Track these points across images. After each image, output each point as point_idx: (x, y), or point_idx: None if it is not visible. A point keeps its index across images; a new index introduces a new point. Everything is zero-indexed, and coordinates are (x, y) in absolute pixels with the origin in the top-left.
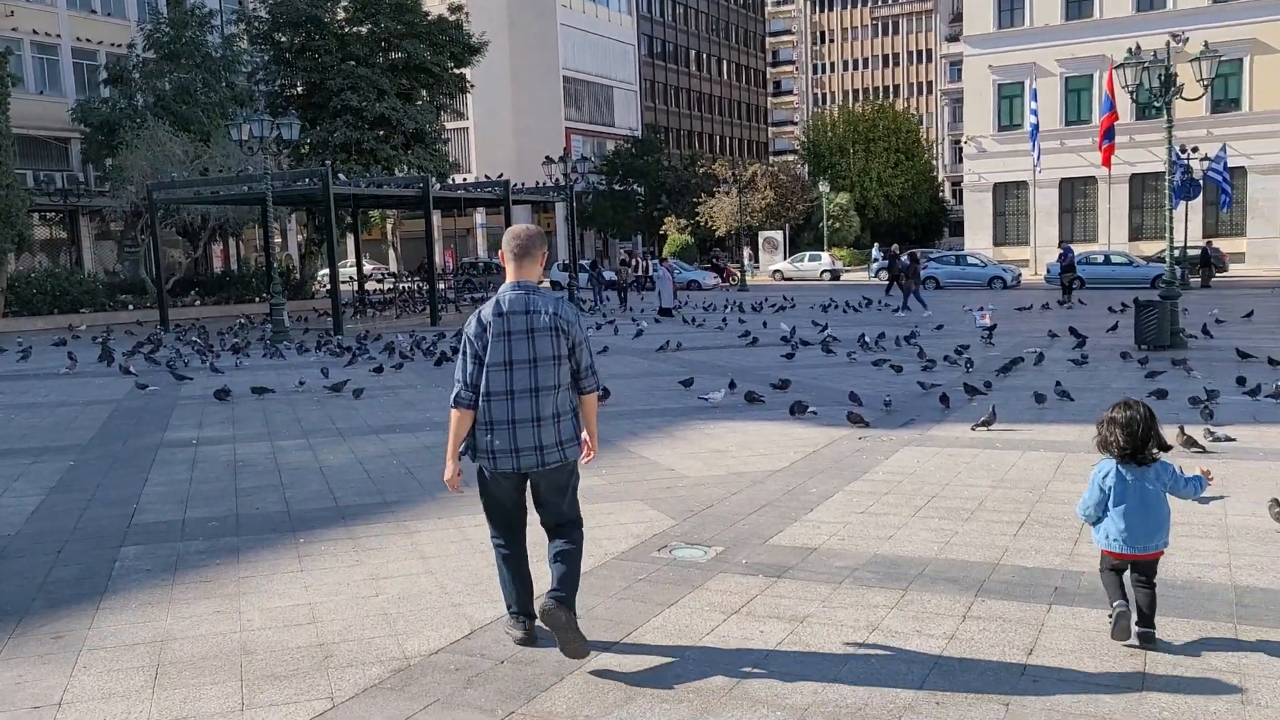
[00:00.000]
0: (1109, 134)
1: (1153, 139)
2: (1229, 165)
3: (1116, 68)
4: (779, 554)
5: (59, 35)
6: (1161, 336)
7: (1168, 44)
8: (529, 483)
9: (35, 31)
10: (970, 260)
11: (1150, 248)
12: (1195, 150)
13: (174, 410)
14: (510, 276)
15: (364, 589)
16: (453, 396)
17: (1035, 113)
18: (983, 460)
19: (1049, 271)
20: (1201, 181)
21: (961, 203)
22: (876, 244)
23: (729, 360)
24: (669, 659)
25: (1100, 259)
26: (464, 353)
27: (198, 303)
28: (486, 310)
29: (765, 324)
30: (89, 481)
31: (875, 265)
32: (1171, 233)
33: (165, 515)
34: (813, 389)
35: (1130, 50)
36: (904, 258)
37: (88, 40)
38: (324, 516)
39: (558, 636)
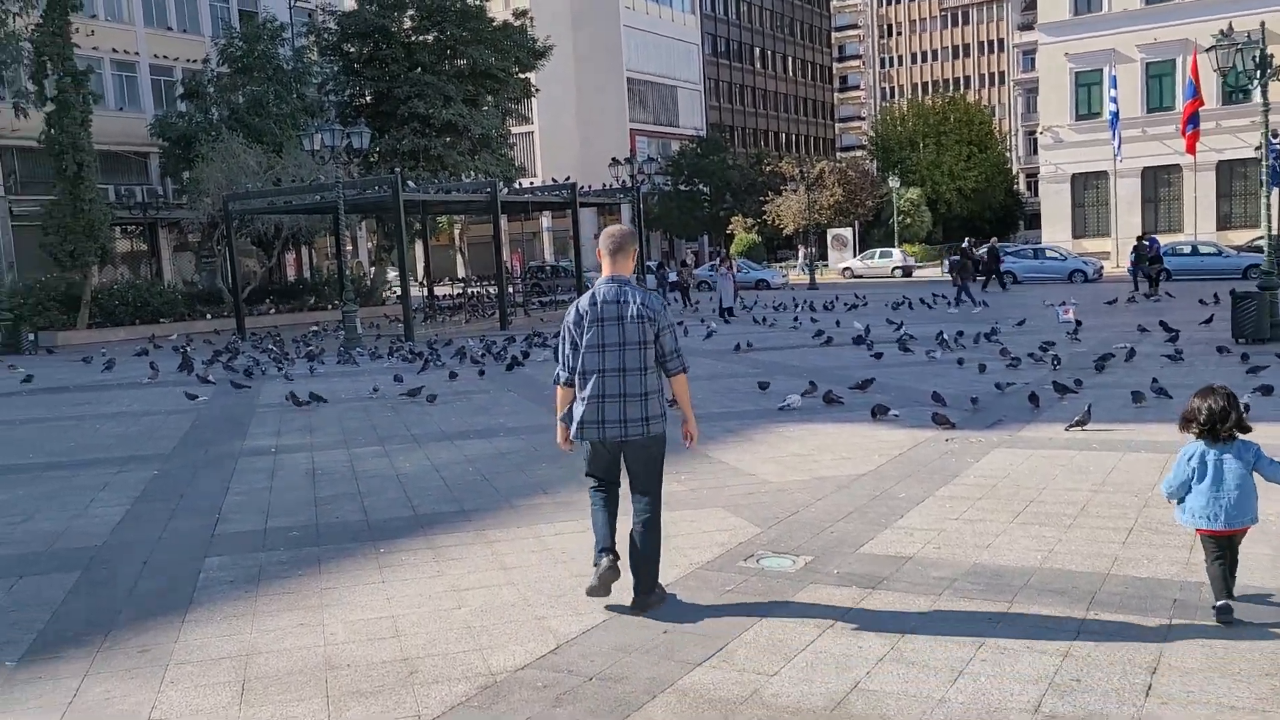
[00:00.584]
0: (1193, 120)
1: (1240, 124)
2: None
3: (1206, 50)
4: (872, 563)
5: (137, 53)
6: (1260, 329)
7: (1262, 24)
8: (620, 451)
9: (115, 50)
10: (1049, 253)
11: (1239, 237)
12: None
13: (252, 418)
14: (605, 271)
15: (446, 601)
16: (556, 377)
17: (1115, 100)
18: (1080, 462)
19: (1132, 263)
20: None
21: (1037, 195)
22: (968, 239)
23: (804, 361)
24: (764, 676)
25: (1188, 249)
26: (563, 339)
27: (272, 311)
28: (584, 300)
29: (838, 323)
30: (173, 490)
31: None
32: (1269, 220)
33: (247, 524)
34: (893, 389)
35: (1221, 32)
36: (954, 254)
37: (164, 57)
38: (403, 526)
39: (642, 607)
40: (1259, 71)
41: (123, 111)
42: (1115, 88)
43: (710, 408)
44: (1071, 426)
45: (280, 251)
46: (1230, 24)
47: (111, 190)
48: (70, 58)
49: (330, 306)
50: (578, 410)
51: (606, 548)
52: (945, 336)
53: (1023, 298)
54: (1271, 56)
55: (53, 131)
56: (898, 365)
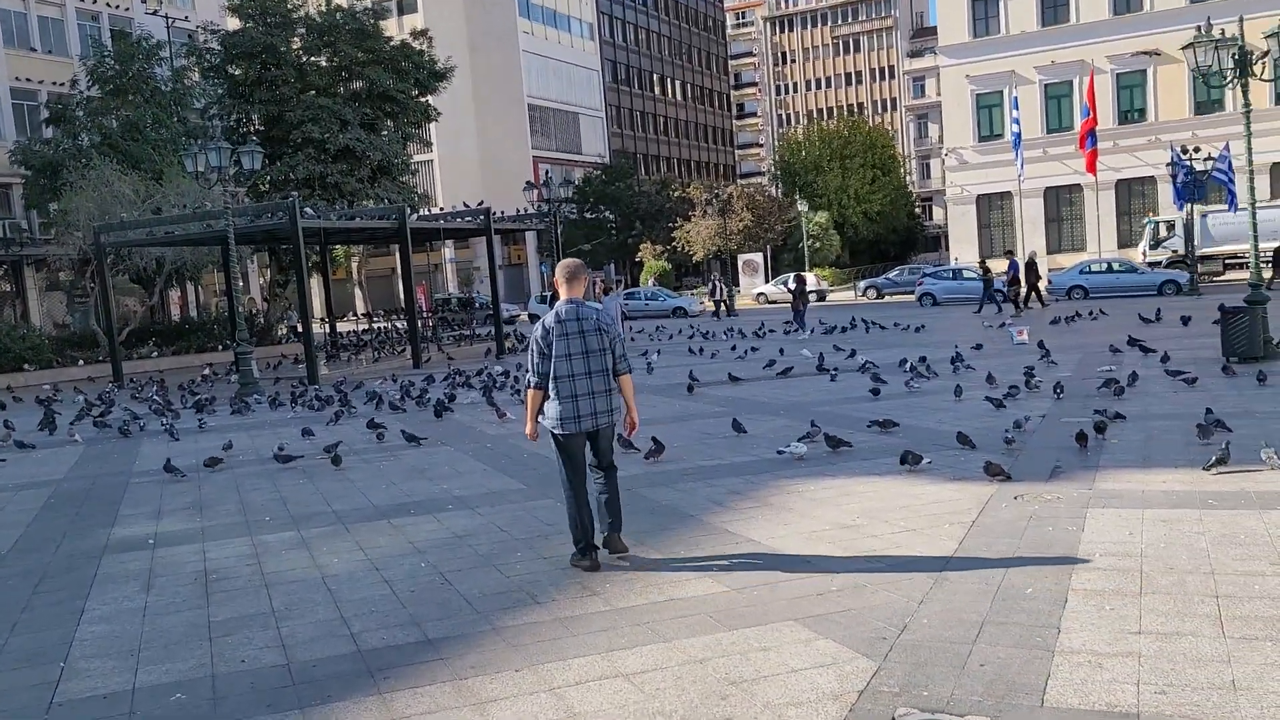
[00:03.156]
0: (1090, 138)
1: (1137, 143)
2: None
3: (1183, 48)
4: None
5: None
6: (1253, 347)
7: (1241, 20)
8: (588, 438)
9: None
10: (967, 274)
11: (1139, 255)
12: (1198, 150)
13: (125, 492)
14: (563, 295)
15: None
16: (526, 382)
17: (1017, 121)
18: (1220, 528)
19: (993, 285)
20: (1205, 181)
21: (932, 218)
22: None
23: (771, 396)
24: None
25: (1102, 267)
26: (532, 351)
27: (155, 354)
28: (549, 319)
29: (782, 351)
30: (2, 624)
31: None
32: (1256, 227)
33: (105, 682)
34: (900, 430)
35: (1199, 29)
36: (791, 281)
37: (27, 80)
38: (343, 673)
39: (615, 551)
40: (1239, 69)
41: None
42: (1017, 108)
43: (696, 459)
44: (1212, 467)
45: (163, 289)
46: (1209, 19)
47: None
48: None
49: (221, 347)
50: (553, 409)
51: (590, 544)
52: (914, 364)
53: (948, 320)
54: (1252, 53)
55: None
56: (884, 399)
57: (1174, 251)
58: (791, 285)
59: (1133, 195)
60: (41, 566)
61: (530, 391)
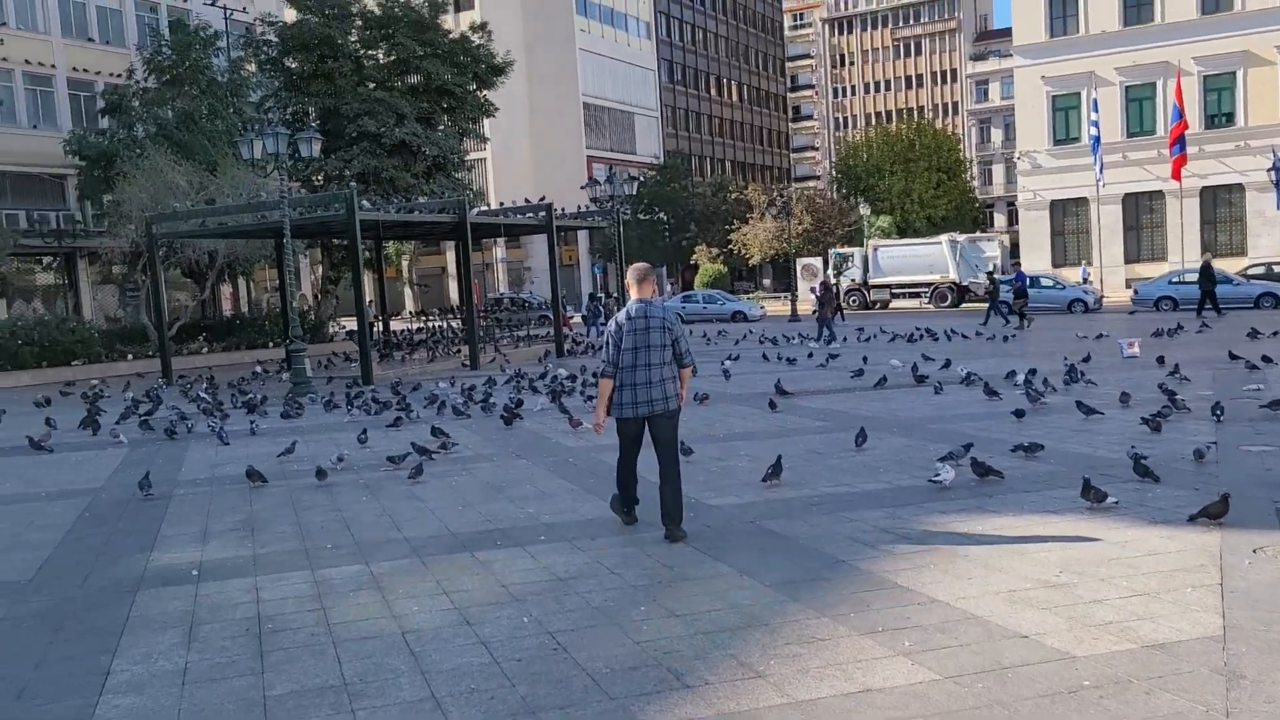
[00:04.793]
0: (1179, 143)
1: (1224, 149)
2: None
3: None
4: None
5: (53, 65)
6: None
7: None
8: (647, 424)
9: (28, 61)
10: (1044, 282)
11: (1225, 265)
12: None
13: (169, 506)
14: (634, 295)
15: None
16: (601, 371)
17: (1096, 124)
18: None
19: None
20: None
21: (992, 224)
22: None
23: (872, 410)
24: None
25: (1193, 278)
26: (609, 344)
27: (205, 349)
28: (621, 315)
29: (866, 359)
30: (11, 679)
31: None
32: None
33: None
34: (1048, 455)
35: None
36: (818, 288)
37: (84, 70)
38: None
39: (673, 540)
40: None
41: (36, 129)
42: (1096, 111)
43: (818, 484)
44: None
45: (214, 283)
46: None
47: (23, 215)
48: None
49: (272, 344)
50: (619, 396)
51: (635, 501)
52: (1028, 377)
53: (1038, 328)
54: None
55: None
56: (1005, 418)
57: (852, 280)
58: (819, 293)
59: (1218, 203)
60: (64, 603)
61: (602, 380)
